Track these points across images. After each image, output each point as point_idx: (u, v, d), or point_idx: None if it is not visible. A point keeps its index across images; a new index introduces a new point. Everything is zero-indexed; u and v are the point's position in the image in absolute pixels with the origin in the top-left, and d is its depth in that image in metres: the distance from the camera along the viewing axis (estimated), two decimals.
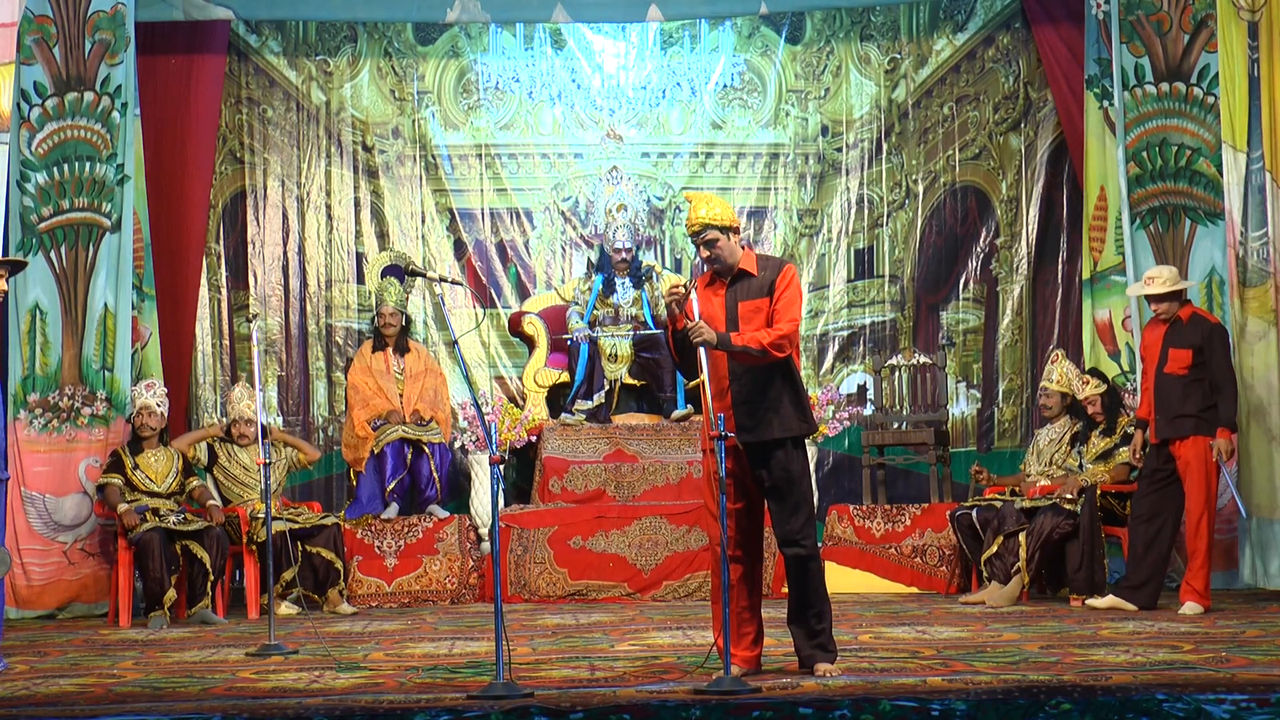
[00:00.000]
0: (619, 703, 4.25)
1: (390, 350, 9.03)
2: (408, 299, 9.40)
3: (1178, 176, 8.35)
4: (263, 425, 6.65)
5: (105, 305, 8.12)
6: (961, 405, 10.04)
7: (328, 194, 10.10)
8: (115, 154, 8.24)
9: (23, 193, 8.07)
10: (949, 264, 10.18)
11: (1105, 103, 8.94)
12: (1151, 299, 7.18)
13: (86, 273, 8.12)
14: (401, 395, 8.92)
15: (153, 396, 7.89)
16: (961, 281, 10.14)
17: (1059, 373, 8.17)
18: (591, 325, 9.51)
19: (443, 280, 6.42)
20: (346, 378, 9.27)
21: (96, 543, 8.03)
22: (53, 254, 8.10)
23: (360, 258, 10.01)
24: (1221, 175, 7.92)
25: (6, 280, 5.94)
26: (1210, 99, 8.18)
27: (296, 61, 10.09)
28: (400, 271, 9.23)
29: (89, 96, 8.17)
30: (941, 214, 10.20)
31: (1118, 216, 8.76)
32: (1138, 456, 7.33)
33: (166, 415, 7.94)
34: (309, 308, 9.97)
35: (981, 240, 10.13)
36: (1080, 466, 7.88)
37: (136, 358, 8.46)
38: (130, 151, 8.38)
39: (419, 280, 9.89)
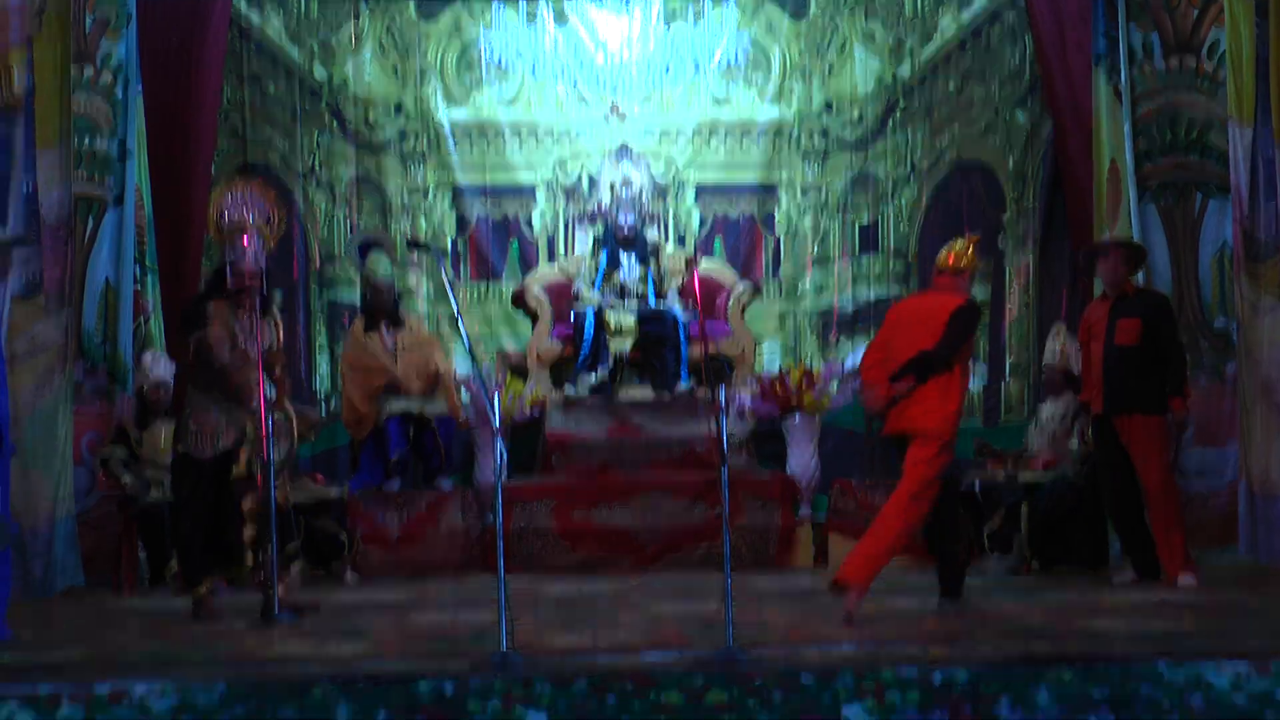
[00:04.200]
0: (621, 671, 4.26)
1: (384, 327, 8.96)
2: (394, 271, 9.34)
3: (1189, 150, 8.27)
4: (269, 399, 6.63)
5: (106, 279, 8.11)
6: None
7: (330, 170, 10.08)
8: (117, 130, 8.22)
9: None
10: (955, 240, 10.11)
11: (1114, 78, 8.86)
12: (1102, 257, 7.09)
13: (86, 247, 8.09)
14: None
15: (166, 370, 7.93)
16: None
17: (1062, 346, 8.15)
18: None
19: (425, 247, 6.36)
20: (341, 359, 9.23)
21: (101, 515, 8.04)
22: None
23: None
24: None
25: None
26: (1222, 73, 8.13)
27: (299, 38, 10.06)
28: (369, 245, 9.18)
29: (89, 71, 8.13)
30: (947, 190, 10.15)
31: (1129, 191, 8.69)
32: (1087, 439, 7.35)
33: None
34: (310, 283, 9.96)
35: (987, 216, 10.08)
36: (1081, 443, 7.86)
37: (139, 332, 8.46)
38: (133, 127, 8.35)
39: (418, 256, 9.89)
